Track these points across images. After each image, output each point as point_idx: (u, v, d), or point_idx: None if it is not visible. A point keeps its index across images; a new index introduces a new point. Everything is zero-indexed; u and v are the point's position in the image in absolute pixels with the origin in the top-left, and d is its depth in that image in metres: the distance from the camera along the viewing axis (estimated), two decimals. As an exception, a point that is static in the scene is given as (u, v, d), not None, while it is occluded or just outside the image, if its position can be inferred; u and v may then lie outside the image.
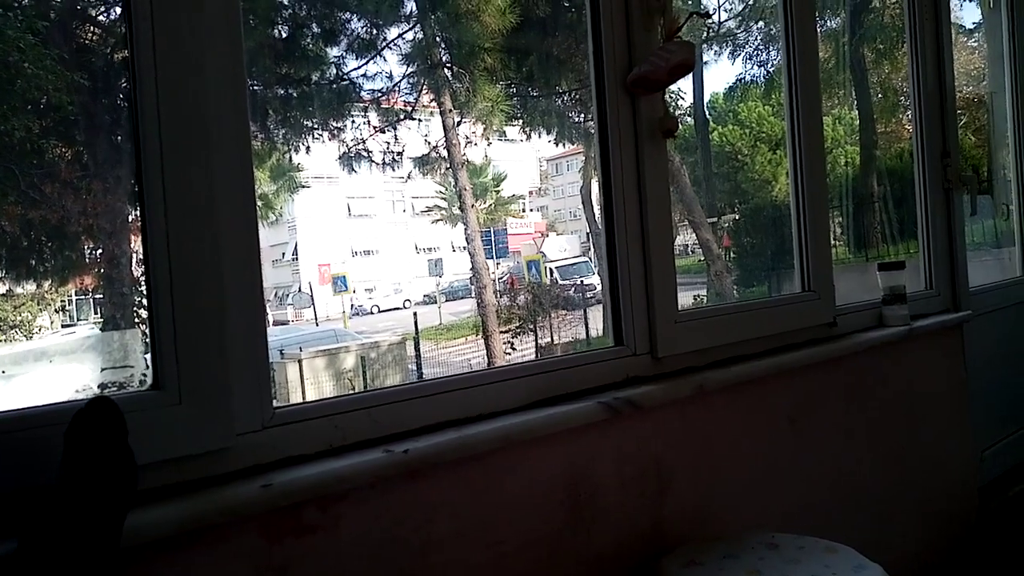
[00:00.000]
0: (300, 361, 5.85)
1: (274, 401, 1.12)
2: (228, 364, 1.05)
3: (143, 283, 1.04)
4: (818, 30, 2.19)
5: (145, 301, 1.05)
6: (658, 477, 1.57)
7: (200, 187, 1.04)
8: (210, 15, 1.06)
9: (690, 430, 1.65)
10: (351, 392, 1.27)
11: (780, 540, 1.51)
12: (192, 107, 1.04)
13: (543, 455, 1.37)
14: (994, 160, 3.76)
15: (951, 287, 2.60)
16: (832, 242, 2.18)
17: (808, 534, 1.53)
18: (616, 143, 1.61)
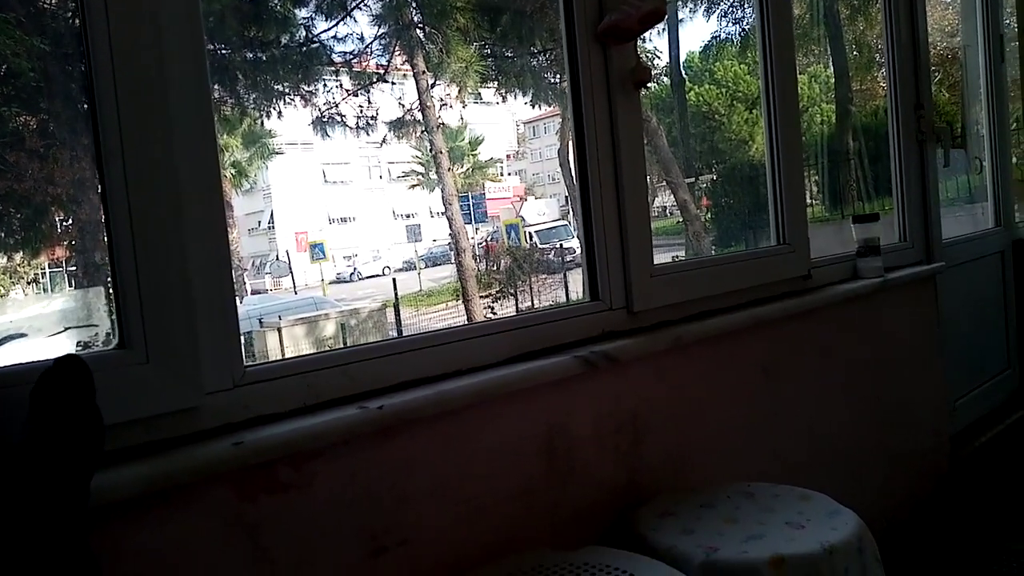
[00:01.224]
0: (279, 329, 5.81)
1: (245, 360, 1.10)
2: (195, 322, 1.03)
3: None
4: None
5: (108, 262, 1.02)
6: (634, 430, 1.58)
7: (159, 142, 1.01)
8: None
9: (666, 383, 1.65)
10: (325, 350, 1.26)
11: (755, 489, 1.52)
12: (147, 66, 1.01)
13: (519, 410, 1.37)
14: (967, 115, 3.77)
15: (924, 239, 2.62)
16: (808, 200, 2.19)
17: (784, 484, 1.55)
18: (588, 95, 1.59)
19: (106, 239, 1.02)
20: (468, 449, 1.29)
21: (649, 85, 1.69)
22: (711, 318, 1.77)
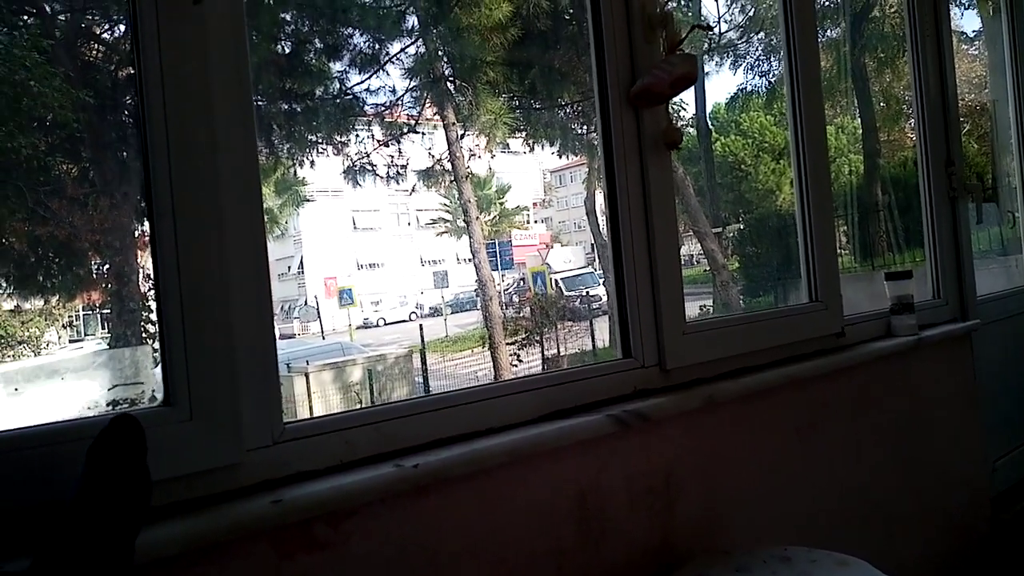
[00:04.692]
0: (307, 375, 5.85)
1: (284, 416, 1.12)
2: (238, 379, 1.05)
3: (151, 298, 1.05)
4: (819, 39, 2.20)
5: (154, 316, 1.05)
6: (667, 490, 1.56)
7: (208, 202, 1.05)
8: (215, 29, 1.07)
9: (699, 442, 1.64)
10: (360, 407, 1.27)
11: (792, 553, 1.50)
12: (199, 122, 1.05)
13: (552, 469, 1.37)
14: (998, 167, 3.75)
15: (959, 296, 2.59)
16: (838, 251, 2.18)
17: (819, 546, 1.52)
18: (620, 155, 1.62)
19: (154, 297, 1.05)
20: (501, 509, 1.29)
21: (679, 145, 1.71)
22: (744, 376, 1.76)
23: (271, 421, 1.09)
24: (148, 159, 1.03)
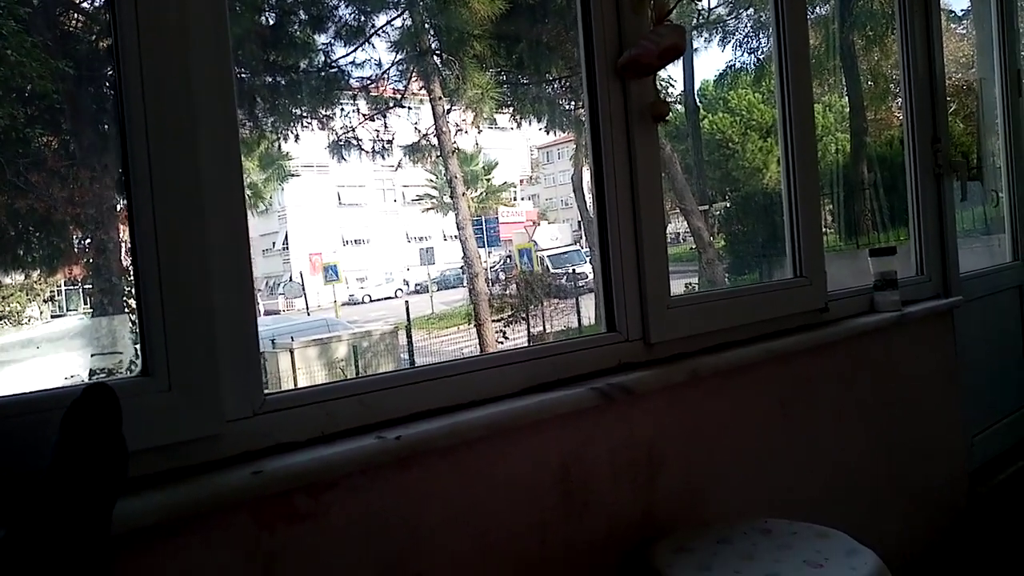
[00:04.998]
0: (292, 351, 5.82)
1: (265, 388, 1.11)
2: (218, 350, 1.04)
3: (132, 272, 1.03)
4: (808, 17, 2.19)
5: (134, 289, 1.04)
6: (650, 463, 1.57)
7: (187, 173, 1.03)
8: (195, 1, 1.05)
9: (682, 416, 1.65)
10: (343, 379, 1.26)
11: (773, 526, 1.51)
12: (178, 93, 1.02)
13: (535, 442, 1.37)
14: (983, 147, 3.77)
15: (942, 273, 2.61)
16: (823, 229, 2.19)
17: (800, 519, 1.54)
18: (607, 128, 1.60)
19: (132, 268, 1.03)
20: (483, 481, 1.29)
21: (667, 118, 1.70)
22: (728, 350, 1.77)
23: (251, 392, 1.08)
24: (125, 129, 1.01)
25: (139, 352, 1.03)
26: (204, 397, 1.02)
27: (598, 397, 1.44)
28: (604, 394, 1.45)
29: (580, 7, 1.63)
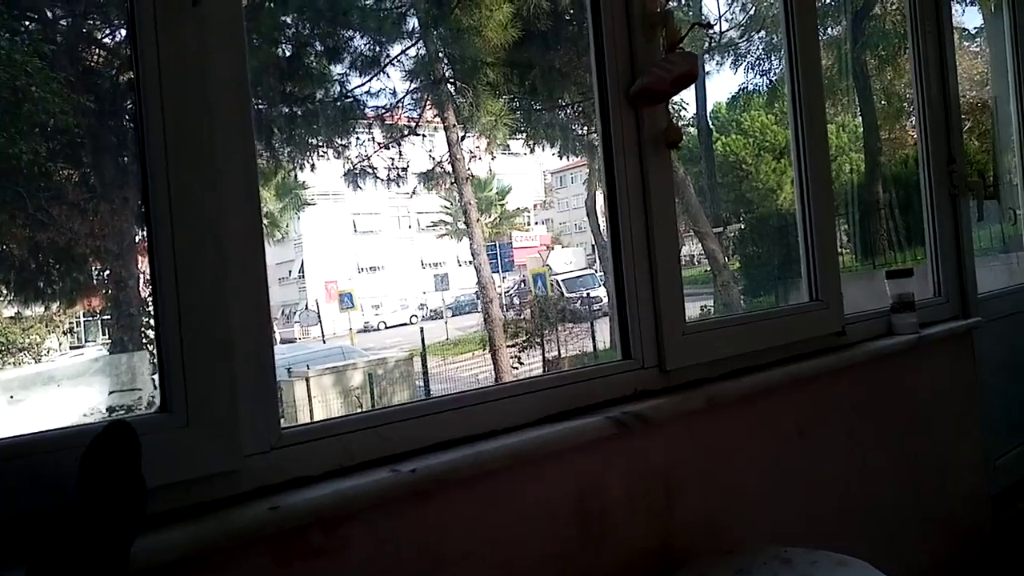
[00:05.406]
0: (308, 379, 5.84)
1: (282, 421, 1.11)
2: (236, 385, 1.05)
3: (150, 304, 1.04)
4: (820, 38, 2.19)
5: (152, 322, 1.05)
6: (667, 492, 1.56)
7: (206, 207, 1.04)
8: (213, 32, 1.07)
9: (699, 443, 1.63)
10: (358, 411, 1.26)
11: (792, 555, 1.49)
12: (197, 127, 1.04)
13: (552, 472, 1.36)
14: (999, 165, 3.75)
15: (960, 294, 2.58)
16: (839, 250, 2.17)
17: (820, 546, 1.51)
18: (620, 155, 1.61)
19: (151, 303, 1.05)
20: (501, 512, 1.28)
21: (680, 145, 1.70)
22: (745, 376, 1.75)
23: (269, 426, 1.09)
24: (145, 163, 1.03)
25: (157, 387, 1.03)
26: (223, 433, 1.03)
27: (614, 426, 1.43)
28: (621, 423, 1.44)
29: (592, 36, 1.65)
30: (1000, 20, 3.33)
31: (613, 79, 1.61)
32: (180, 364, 1.01)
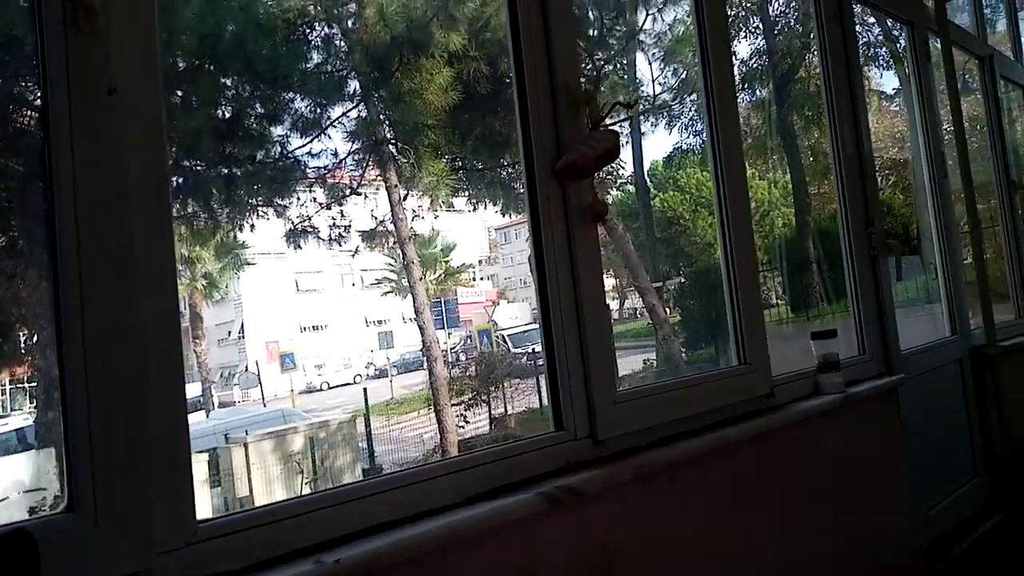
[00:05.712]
0: (246, 445, 5.67)
1: (198, 513, 1.08)
2: (148, 480, 1.01)
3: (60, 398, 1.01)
4: (748, 100, 2.29)
5: (61, 419, 1.01)
6: (603, 565, 1.55)
7: (121, 301, 1.02)
8: (130, 121, 1.06)
9: (634, 515, 1.63)
10: (278, 501, 1.23)
11: (727, 624, 1.49)
12: (112, 226, 1.02)
13: (486, 552, 1.34)
14: (921, 219, 3.91)
15: (883, 351, 2.66)
16: (774, 301, 2.24)
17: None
18: (548, 228, 1.64)
19: (60, 398, 1.01)
20: (431, 597, 1.26)
21: (607, 218, 1.74)
22: (677, 443, 1.77)
23: (184, 521, 1.05)
24: (57, 272, 1.01)
25: (64, 486, 1.00)
26: (134, 530, 0.99)
27: (546, 502, 1.42)
28: (552, 498, 1.43)
29: (519, 112, 1.69)
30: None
31: (540, 154, 1.65)
32: (88, 460, 0.97)
